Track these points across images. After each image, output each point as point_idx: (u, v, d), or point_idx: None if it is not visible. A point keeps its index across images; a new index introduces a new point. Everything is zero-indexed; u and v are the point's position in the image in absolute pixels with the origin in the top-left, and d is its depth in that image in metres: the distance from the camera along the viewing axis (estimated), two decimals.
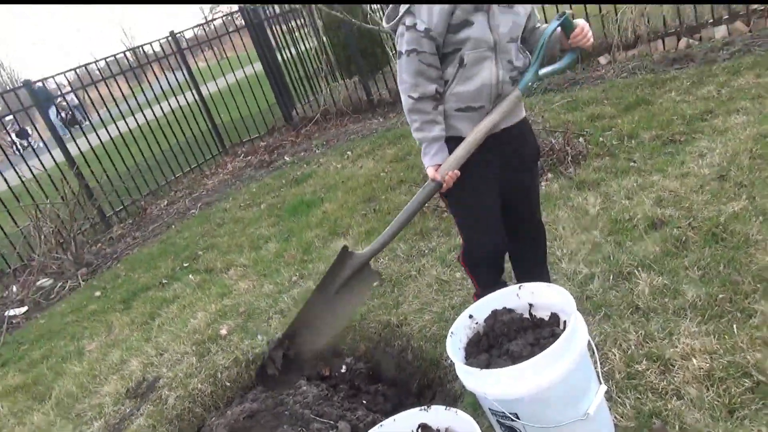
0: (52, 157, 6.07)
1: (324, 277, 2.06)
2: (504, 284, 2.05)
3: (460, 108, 1.85)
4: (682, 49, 5.30)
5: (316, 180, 5.35)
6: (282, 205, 5.00)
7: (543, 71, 1.86)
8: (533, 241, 2.20)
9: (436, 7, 1.72)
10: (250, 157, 7.18)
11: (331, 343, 2.32)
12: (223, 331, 3.07)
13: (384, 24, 1.87)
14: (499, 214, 2.02)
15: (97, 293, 4.51)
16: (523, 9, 1.84)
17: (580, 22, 1.83)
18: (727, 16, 5.24)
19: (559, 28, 1.84)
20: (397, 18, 1.81)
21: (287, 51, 8.02)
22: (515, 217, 2.09)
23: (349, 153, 5.79)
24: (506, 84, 1.83)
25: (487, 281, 2.12)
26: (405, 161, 4.82)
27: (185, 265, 4.41)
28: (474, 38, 1.75)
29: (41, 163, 5.82)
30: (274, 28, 8.03)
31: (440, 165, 1.86)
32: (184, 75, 7.59)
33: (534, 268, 2.22)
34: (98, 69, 7.13)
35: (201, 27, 8.10)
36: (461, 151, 1.84)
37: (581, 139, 3.87)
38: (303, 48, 8.12)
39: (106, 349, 3.38)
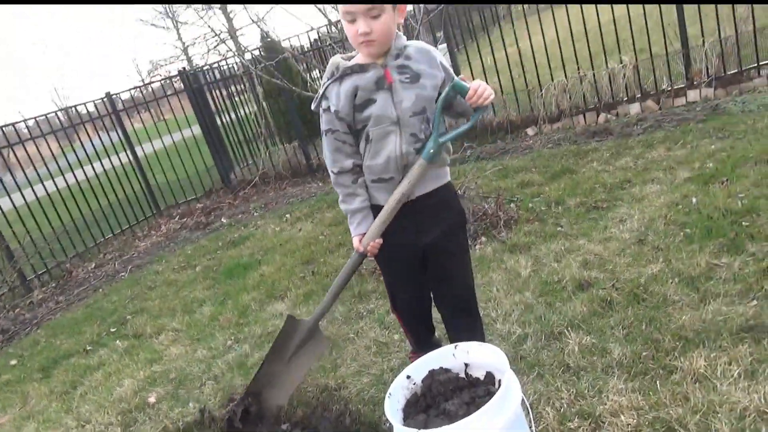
0: None
1: (273, 345, 2.25)
2: (438, 344, 2.11)
3: (374, 179, 1.98)
4: (602, 124, 5.72)
5: (254, 242, 5.30)
6: (218, 267, 4.90)
7: (444, 138, 1.91)
8: (464, 302, 2.21)
9: (342, 91, 1.87)
10: (185, 219, 7.05)
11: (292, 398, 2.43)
12: (152, 399, 2.92)
13: (312, 106, 2.02)
14: (417, 274, 2.14)
15: (13, 362, 4.21)
16: (430, 81, 1.90)
17: (473, 84, 1.87)
18: (639, 95, 5.73)
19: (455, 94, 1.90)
20: (316, 101, 1.97)
21: (226, 115, 8.08)
22: (442, 280, 2.15)
23: (287, 216, 5.80)
24: (411, 155, 1.92)
25: (419, 337, 2.28)
26: (343, 224, 4.87)
27: (112, 330, 4.20)
28: (376, 115, 1.87)
29: None
30: (213, 93, 8.11)
31: (364, 234, 1.99)
32: (118, 135, 7.47)
33: (465, 330, 2.18)
34: (27, 127, 6.93)
35: (138, 89, 8.04)
36: (378, 221, 1.97)
37: (512, 205, 4.06)
38: (242, 113, 8.21)
39: (21, 422, 3.13)
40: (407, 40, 1.95)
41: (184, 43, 22.99)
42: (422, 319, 2.33)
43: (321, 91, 1.93)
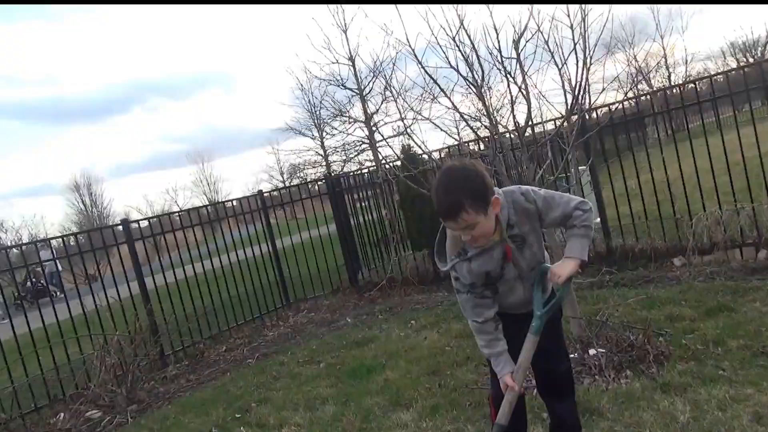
0: (129, 288, 6.37)
1: None
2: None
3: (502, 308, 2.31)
4: (762, 261, 5.23)
5: (378, 345, 5.29)
6: (342, 366, 4.92)
7: (543, 311, 2.20)
8: (560, 386, 2.45)
9: (474, 270, 2.16)
10: (312, 314, 7.26)
11: None
12: None
13: (440, 267, 2.30)
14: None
15: None
16: (535, 237, 2.18)
17: (551, 269, 2.17)
18: None
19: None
20: (445, 267, 2.24)
21: (361, 217, 8.46)
22: (540, 370, 2.43)
23: (412, 322, 5.77)
24: (532, 293, 2.25)
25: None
26: (471, 338, 4.69)
27: (237, 416, 4.29)
28: (504, 279, 2.22)
29: (117, 293, 6.12)
30: (352, 196, 8.58)
31: (511, 373, 2.19)
32: (263, 227, 8.07)
33: (558, 407, 2.49)
34: (179, 216, 7.72)
35: (287, 189, 8.72)
36: (522, 370, 2.20)
37: (662, 339, 3.74)
38: (376, 216, 8.55)
39: None
40: (512, 186, 2.22)
41: (325, 151, 24.84)
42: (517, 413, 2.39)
43: (450, 265, 2.21)
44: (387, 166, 8.00)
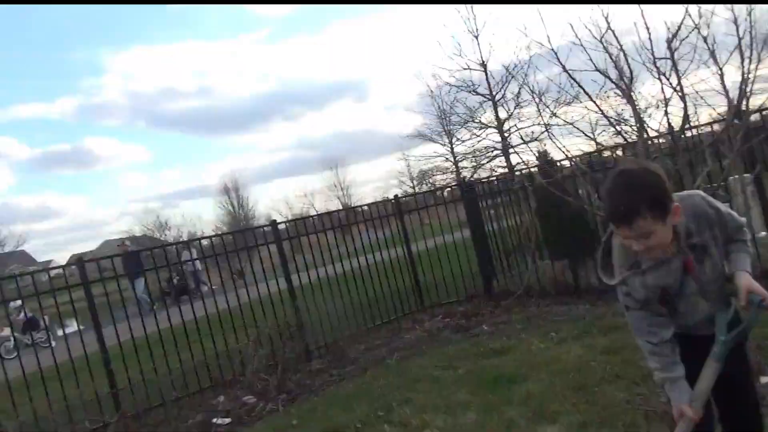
0: (277, 284, 6.87)
1: None
2: None
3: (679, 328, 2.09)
4: None
5: (517, 356, 5.23)
6: (480, 373, 4.92)
7: (727, 338, 1.98)
8: (744, 422, 2.20)
9: (648, 285, 1.98)
10: (447, 319, 7.33)
11: None
12: None
13: (604, 279, 2.13)
14: None
15: (294, 422, 4.72)
16: (714, 246, 1.96)
17: (743, 283, 1.93)
18: None
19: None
20: (615, 283, 2.07)
21: (496, 224, 8.39)
22: (722, 401, 2.16)
23: (553, 334, 5.63)
24: (715, 310, 2.03)
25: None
26: (620, 354, 4.53)
27: (380, 413, 4.46)
28: (684, 294, 2.01)
29: (268, 288, 6.65)
30: (486, 202, 8.55)
31: (689, 402, 1.99)
32: (398, 231, 8.30)
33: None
34: (313, 221, 8.14)
35: (423, 194, 8.89)
36: (703, 396, 2.00)
37: None
38: (512, 223, 8.44)
39: None
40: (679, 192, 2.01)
41: (455, 156, 24.89)
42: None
43: (619, 279, 2.05)
44: (522, 172, 7.90)
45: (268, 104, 74.83)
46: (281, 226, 8.01)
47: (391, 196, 8.37)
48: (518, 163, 17.87)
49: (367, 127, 71.81)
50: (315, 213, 8.61)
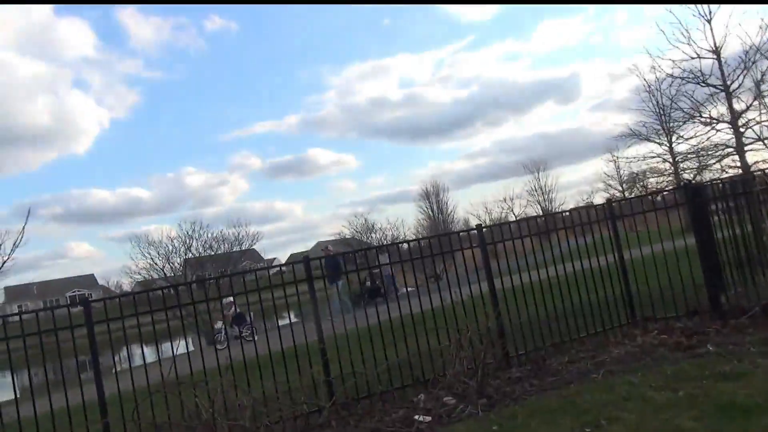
0: (480, 287, 6.85)
1: None
2: None
3: None
4: None
5: (754, 383, 4.52)
6: (705, 399, 4.36)
7: None
8: None
9: None
10: (664, 336, 6.62)
11: None
12: None
13: None
14: None
15: (495, 427, 4.65)
16: None
17: None
18: None
19: None
20: None
21: (728, 230, 7.37)
22: None
23: None
24: None
25: None
26: None
27: (587, 430, 4.19)
28: None
29: (470, 291, 6.67)
30: (716, 206, 7.55)
31: None
32: (609, 237, 7.72)
33: None
34: (509, 227, 7.92)
35: (639, 199, 8.19)
36: None
37: None
38: (747, 230, 7.34)
39: None
40: None
41: (674, 157, 22.49)
42: None
43: None
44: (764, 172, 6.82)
45: (470, 110, 75.69)
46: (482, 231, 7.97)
47: (596, 201, 7.86)
48: (756, 162, 15.57)
49: (572, 128, 68.62)
50: (514, 218, 8.27)
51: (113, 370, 8.93)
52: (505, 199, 55.05)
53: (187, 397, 5.19)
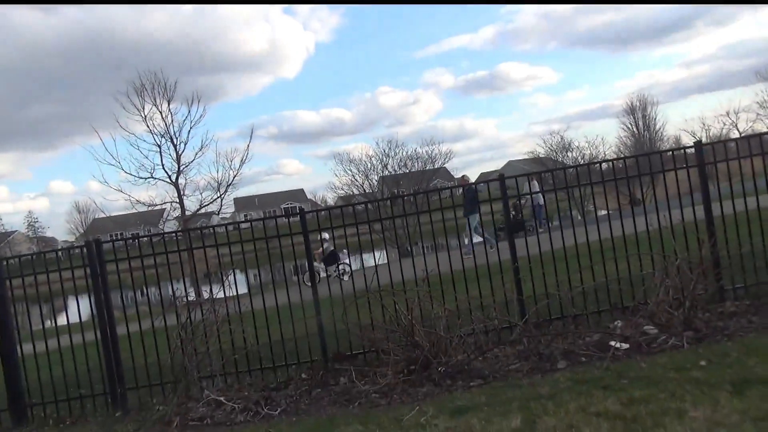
0: (693, 213, 6.20)
1: None
2: None
3: None
4: None
5: None
6: None
7: None
8: None
9: None
10: None
11: None
12: None
13: None
14: None
15: (702, 362, 4.34)
16: None
17: None
18: None
19: None
20: None
21: None
22: None
23: None
24: None
25: None
26: None
27: None
28: None
29: (682, 216, 6.11)
30: None
31: None
32: None
33: None
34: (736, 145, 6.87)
35: None
36: None
37: None
38: None
39: (712, 426, 3.20)
40: None
41: None
42: None
43: None
44: None
45: (690, 9, 65.82)
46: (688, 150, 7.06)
47: None
48: None
49: None
50: (738, 135, 7.09)
51: (318, 277, 10.06)
52: (728, 113, 48.24)
53: (388, 304, 5.64)
